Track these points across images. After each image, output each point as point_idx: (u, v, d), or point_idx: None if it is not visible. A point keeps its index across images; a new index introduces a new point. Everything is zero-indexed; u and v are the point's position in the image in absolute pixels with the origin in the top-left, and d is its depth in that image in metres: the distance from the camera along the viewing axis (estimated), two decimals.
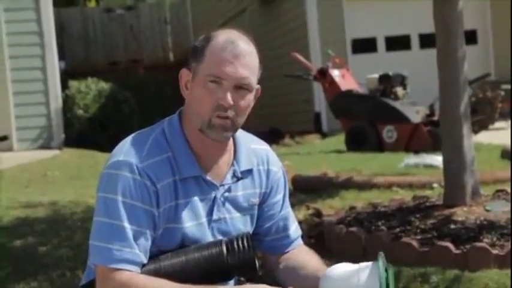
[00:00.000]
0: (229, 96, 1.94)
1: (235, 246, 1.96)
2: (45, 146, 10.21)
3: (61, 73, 11.05)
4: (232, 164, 2.07)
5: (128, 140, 2.02)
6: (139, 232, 1.93)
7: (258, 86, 2.05)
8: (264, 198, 2.14)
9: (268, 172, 2.14)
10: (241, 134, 2.11)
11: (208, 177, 2.02)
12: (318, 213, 5.11)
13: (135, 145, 1.99)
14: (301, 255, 2.14)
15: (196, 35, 18.55)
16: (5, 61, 10.18)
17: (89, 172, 8.00)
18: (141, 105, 12.57)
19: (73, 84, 11.75)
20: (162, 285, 1.89)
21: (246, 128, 2.11)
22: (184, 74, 2.03)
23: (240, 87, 1.96)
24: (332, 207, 5.28)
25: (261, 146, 2.16)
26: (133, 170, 1.95)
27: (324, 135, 12.41)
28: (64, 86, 11.25)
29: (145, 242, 1.94)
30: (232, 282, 2.06)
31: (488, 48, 13.95)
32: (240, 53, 1.95)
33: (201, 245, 1.99)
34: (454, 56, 4.60)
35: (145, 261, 1.95)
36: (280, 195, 2.17)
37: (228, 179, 2.06)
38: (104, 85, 11.96)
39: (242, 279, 2.02)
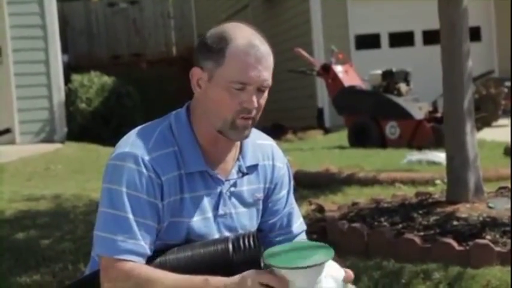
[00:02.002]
0: (255, 99, 1.97)
1: (241, 244, 1.96)
2: (48, 140, 10.22)
3: (64, 67, 11.06)
4: (238, 159, 2.07)
5: (134, 132, 2.03)
6: (144, 224, 1.94)
7: None
8: (269, 193, 2.14)
9: (273, 168, 2.14)
10: None
11: (214, 172, 2.02)
12: (320, 209, 5.11)
13: (141, 137, 1.99)
14: None
15: (199, 29, 18.54)
16: (8, 54, 10.18)
17: (91, 166, 8.01)
18: (144, 99, 12.57)
19: (76, 77, 11.76)
20: (165, 276, 1.89)
21: None
22: (196, 73, 2.01)
23: (261, 88, 1.99)
24: (334, 203, 5.28)
25: (266, 142, 2.16)
26: (139, 162, 1.95)
27: (326, 131, 12.41)
28: (67, 79, 11.25)
29: (150, 234, 1.95)
30: None
31: (491, 45, 13.94)
32: (262, 57, 1.97)
33: (207, 241, 2.00)
34: (458, 53, 4.59)
35: (149, 252, 1.95)
36: (285, 191, 2.18)
37: (234, 174, 2.06)
38: (107, 79, 11.96)
39: None
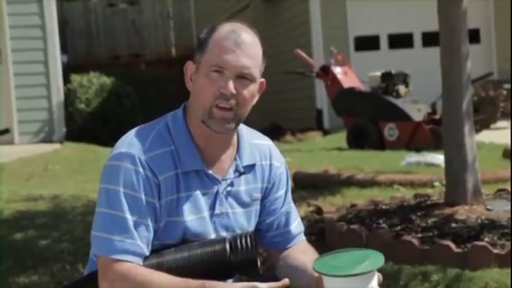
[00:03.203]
0: (230, 84, 1.95)
1: (238, 244, 1.97)
2: (47, 140, 10.21)
3: (63, 67, 11.05)
4: (235, 159, 2.08)
5: (131, 132, 2.03)
6: (141, 223, 1.94)
7: (263, 79, 2.05)
8: (266, 193, 2.14)
9: (270, 167, 2.14)
10: (244, 129, 2.12)
11: (210, 172, 2.03)
12: (318, 210, 5.11)
13: (138, 138, 2.00)
14: (301, 253, 2.14)
15: (198, 30, 18.52)
16: (7, 54, 10.17)
17: (90, 166, 8.00)
18: (143, 99, 12.56)
19: (75, 78, 11.75)
20: (160, 278, 1.90)
21: (247, 123, 2.10)
22: (190, 67, 2.03)
23: (242, 77, 1.97)
24: (333, 205, 5.28)
25: (264, 142, 2.17)
26: (136, 161, 1.95)
27: (325, 133, 12.41)
28: (66, 79, 11.24)
29: (147, 234, 1.95)
30: (231, 280, 2.05)
31: (491, 47, 13.93)
32: (242, 42, 1.97)
33: (204, 241, 2.00)
34: (458, 55, 4.59)
35: (147, 252, 1.95)
36: (282, 191, 2.18)
37: (231, 173, 2.06)
38: (106, 79, 11.95)
39: (244, 278, 2.02)
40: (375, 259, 1.80)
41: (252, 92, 1.99)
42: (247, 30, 2.00)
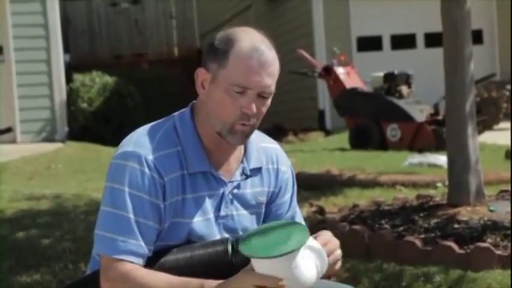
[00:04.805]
0: (254, 106, 1.95)
1: None
2: (49, 139, 10.22)
3: (66, 66, 11.06)
4: (242, 161, 2.07)
5: (138, 131, 2.02)
6: (145, 224, 1.93)
7: None
8: (273, 197, 2.14)
9: (277, 171, 2.14)
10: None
11: (217, 173, 2.02)
12: (321, 211, 5.11)
13: (145, 137, 1.99)
14: None
15: (201, 30, 18.52)
16: (10, 53, 10.18)
17: (92, 165, 8.01)
18: (145, 99, 12.57)
19: (77, 77, 11.76)
20: (161, 280, 1.89)
21: None
22: (201, 73, 2.01)
23: (263, 95, 1.97)
24: (335, 205, 5.28)
25: (271, 145, 2.16)
26: (142, 161, 1.95)
27: (327, 133, 12.41)
28: (68, 79, 11.25)
29: (150, 234, 1.94)
30: None
31: (493, 48, 13.93)
32: (265, 62, 1.95)
33: (207, 242, 1.99)
34: (461, 55, 4.59)
35: (149, 253, 1.95)
36: (289, 195, 2.18)
37: (237, 176, 2.05)
38: (108, 79, 11.96)
39: None
40: (298, 237, 1.81)
41: (268, 106, 2.00)
42: (267, 43, 1.98)
